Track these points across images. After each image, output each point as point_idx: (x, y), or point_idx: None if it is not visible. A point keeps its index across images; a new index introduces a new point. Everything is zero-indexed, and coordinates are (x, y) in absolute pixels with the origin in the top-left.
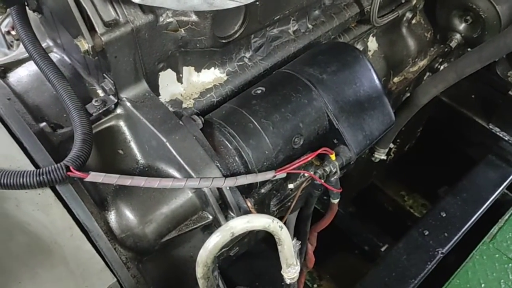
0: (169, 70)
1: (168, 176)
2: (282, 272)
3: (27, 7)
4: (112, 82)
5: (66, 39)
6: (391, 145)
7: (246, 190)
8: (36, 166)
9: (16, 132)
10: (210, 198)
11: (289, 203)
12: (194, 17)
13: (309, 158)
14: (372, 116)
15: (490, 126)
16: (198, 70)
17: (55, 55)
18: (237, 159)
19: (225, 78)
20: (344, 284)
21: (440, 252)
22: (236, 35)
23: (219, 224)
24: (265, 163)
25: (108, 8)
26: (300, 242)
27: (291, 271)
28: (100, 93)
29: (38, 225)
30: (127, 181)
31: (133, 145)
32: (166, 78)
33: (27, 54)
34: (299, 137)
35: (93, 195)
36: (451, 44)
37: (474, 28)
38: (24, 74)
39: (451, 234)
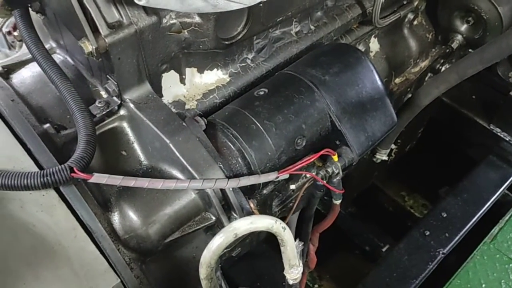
0: (172, 71)
1: (171, 177)
2: (284, 273)
3: (30, 9)
4: (116, 83)
5: (69, 41)
6: (392, 146)
7: (248, 191)
8: (40, 167)
9: (19, 133)
10: (213, 199)
11: (291, 204)
12: (197, 19)
13: (312, 159)
14: (374, 117)
15: (491, 127)
16: (201, 71)
17: (58, 56)
18: (240, 160)
19: (228, 80)
20: (345, 284)
21: (441, 252)
22: (239, 37)
23: (222, 225)
24: (267, 164)
25: (111, 9)
26: (303, 243)
27: (293, 271)
28: (104, 94)
29: (43, 226)
30: (131, 182)
31: (136, 146)
32: (169, 79)
33: (30, 55)
34: (302, 138)
35: (96, 196)
36: (452, 45)
37: (475, 29)
38: (27, 75)
39: (452, 234)
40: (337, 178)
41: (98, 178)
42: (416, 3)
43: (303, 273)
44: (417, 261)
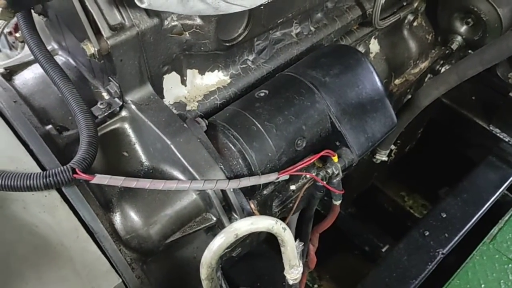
0: (173, 73)
1: (172, 178)
2: (285, 273)
3: (32, 11)
4: (118, 85)
5: (71, 42)
6: (392, 147)
7: (249, 192)
8: (43, 168)
9: (22, 135)
10: (214, 200)
11: (291, 204)
12: (198, 21)
13: (312, 160)
14: (374, 118)
15: (491, 128)
16: (202, 72)
17: (60, 58)
18: (240, 161)
19: (229, 81)
20: (345, 284)
21: (440, 252)
22: (240, 38)
23: (222, 226)
24: (268, 165)
25: (114, 12)
26: (303, 243)
27: (294, 272)
28: (105, 95)
29: (45, 227)
30: (132, 183)
31: (138, 147)
32: (171, 80)
33: (32, 57)
34: (302, 140)
35: (98, 197)
36: (452, 46)
37: (475, 31)
38: (29, 77)
39: (451, 234)
40: (337, 179)
41: (100, 179)
42: (416, 5)
43: (303, 273)
44: (417, 261)
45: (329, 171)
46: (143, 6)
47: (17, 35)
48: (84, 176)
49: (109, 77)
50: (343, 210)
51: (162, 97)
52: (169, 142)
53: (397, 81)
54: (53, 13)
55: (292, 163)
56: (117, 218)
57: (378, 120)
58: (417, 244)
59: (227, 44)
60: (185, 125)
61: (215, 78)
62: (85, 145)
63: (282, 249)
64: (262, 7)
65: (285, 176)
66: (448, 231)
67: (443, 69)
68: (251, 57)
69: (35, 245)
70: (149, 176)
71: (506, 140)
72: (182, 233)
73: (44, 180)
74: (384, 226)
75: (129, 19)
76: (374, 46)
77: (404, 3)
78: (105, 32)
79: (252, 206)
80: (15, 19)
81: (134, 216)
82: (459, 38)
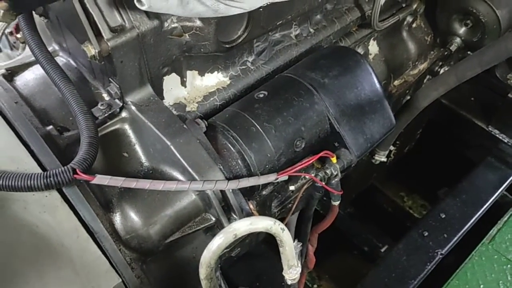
0: (173, 74)
1: (172, 178)
2: (283, 273)
3: (33, 12)
4: (118, 86)
5: (72, 44)
6: (391, 147)
7: (248, 192)
8: (43, 168)
9: (23, 135)
10: (213, 200)
11: (290, 205)
12: (198, 23)
13: (311, 161)
14: (373, 119)
15: (490, 129)
16: (201, 74)
17: (61, 59)
18: (239, 162)
19: (228, 82)
20: (344, 284)
21: (439, 253)
22: (239, 40)
23: (222, 226)
24: (267, 166)
25: (114, 13)
26: (301, 243)
27: (292, 272)
28: (106, 97)
29: (45, 227)
30: (132, 183)
31: (138, 148)
32: (171, 82)
33: (33, 58)
34: (301, 140)
35: (98, 197)
36: (451, 48)
37: (474, 32)
38: (30, 78)
39: (450, 235)
40: (336, 179)
41: (100, 179)
42: (415, 6)
43: (302, 273)
44: (416, 262)
45: (328, 172)
46: (143, 8)
47: (18, 35)
48: (84, 177)
49: (110, 78)
50: (342, 210)
51: (162, 98)
52: (168, 143)
53: (396, 82)
54: (54, 14)
55: (291, 164)
56: (117, 218)
57: (376, 122)
58: (416, 244)
59: (227, 46)
60: (184, 126)
61: (214, 79)
62: (86, 145)
63: (281, 249)
64: (261, 9)
65: (284, 177)
66: (447, 232)
67: (442, 71)
68: (250, 59)
69: (35, 245)
70: (149, 176)
71: (505, 141)
72: (181, 233)
73: (45, 181)
74: (383, 226)
75: (129, 21)
76: (373, 47)
77: (403, 5)
78: (106, 33)
79: (251, 206)
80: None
81: (134, 216)
82: (458, 39)
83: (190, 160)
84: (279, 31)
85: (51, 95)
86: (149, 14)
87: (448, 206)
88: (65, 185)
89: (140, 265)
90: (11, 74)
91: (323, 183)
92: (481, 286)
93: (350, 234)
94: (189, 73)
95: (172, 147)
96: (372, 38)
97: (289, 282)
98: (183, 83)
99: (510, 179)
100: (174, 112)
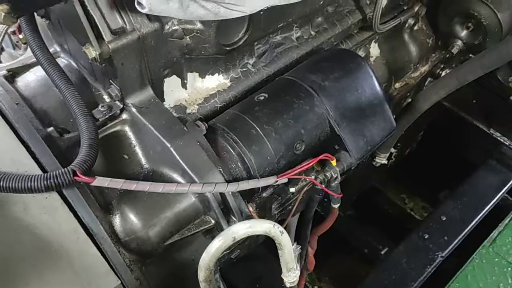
0: (174, 76)
1: (172, 180)
2: (282, 276)
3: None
4: (118, 88)
5: (73, 45)
6: (392, 150)
7: (248, 195)
8: (44, 170)
9: (24, 137)
10: (212, 202)
11: (290, 207)
12: (199, 25)
13: (310, 164)
14: (373, 122)
15: (491, 131)
16: (202, 76)
17: (62, 60)
18: (239, 164)
19: (229, 84)
20: (344, 286)
21: (439, 255)
22: (240, 43)
23: (221, 228)
24: (267, 169)
25: (115, 16)
26: (301, 246)
27: (291, 275)
28: (106, 98)
29: (45, 228)
30: (132, 185)
31: (138, 150)
32: (171, 84)
33: (35, 59)
34: (301, 143)
35: (98, 199)
36: (452, 51)
37: (475, 35)
38: (32, 79)
39: (451, 237)
40: (336, 182)
41: (100, 181)
42: (416, 9)
43: (302, 275)
44: (416, 264)
45: (328, 174)
46: (144, 11)
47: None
48: (84, 179)
49: (110, 80)
50: (343, 212)
51: (163, 100)
52: (168, 145)
53: (397, 85)
54: (55, 16)
55: (291, 166)
56: (116, 220)
57: (377, 124)
58: (416, 247)
59: (228, 48)
60: (185, 128)
61: (215, 81)
62: (86, 147)
63: (280, 252)
64: (261, 12)
65: (283, 180)
66: (447, 234)
67: (443, 73)
68: (251, 61)
69: (35, 246)
70: (149, 178)
71: (507, 143)
72: (180, 236)
73: (45, 182)
74: (385, 228)
75: (130, 23)
76: (375, 49)
77: (405, 7)
78: (107, 36)
79: (251, 209)
80: None
81: (133, 218)
82: (459, 42)
83: (190, 163)
84: (280, 33)
85: (52, 97)
86: (150, 17)
87: (448, 208)
88: (65, 187)
89: (139, 267)
90: (13, 75)
91: (323, 185)
92: None
93: (350, 236)
94: (189, 75)
95: (172, 149)
96: (374, 40)
97: (288, 285)
98: (184, 85)
99: (511, 182)
100: (175, 114)
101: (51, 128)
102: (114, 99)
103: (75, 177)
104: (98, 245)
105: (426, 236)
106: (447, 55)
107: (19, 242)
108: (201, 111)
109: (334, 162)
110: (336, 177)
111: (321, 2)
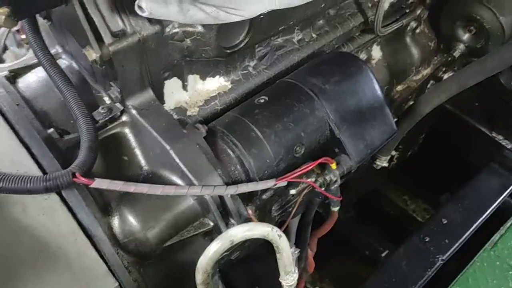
0: (174, 78)
1: (171, 183)
2: (280, 279)
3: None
4: (119, 90)
5: (73, 47)
6: (394, 152)
7: (247, 197)
8: (43, 171)
9: (24, 138)
10: (211, 205)
11: (290, 209)
12: (199, 28)
13: (310, 167)
14: (374, 126)
15: (493, 134)
16: (203, 78)
17: (64, 62)
18: (239, 167)
19: (229, 87)
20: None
21: (440, 258)
22: (241, 45)
23: (219, 231)
24: (266, 171)
25: (116, 19)
26: (299, 250)
27: (289, 278)
28: (107, 100)
29: (44, 230)
30: (131, 187)
31: (137, 152)
32: (172, 86)
33: (36, 60)
34: (301, 146)
35: (97, 200)
36: (454, 54)
37: (477, 39)
38: (33, 80)
39: (452, 241)
40: (335, 185)
41: (99, 183)
42: (418, 12)
43: (301, 277)
44: (416, 267)
45: (327, 178)
46: (143, 14)
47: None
48: (83, 180)
49: (111, 82)
50: (343, 214)
51: (163, 102)
52: (168, 147)
53: (399, 88)
54: (57, 18)
55: (290, 169)
56: (115, 222)
57: (377, 128)
58: (417, 249)
59: (228, 51)
60: (184, 131)
61: (216, 84)
62: (85, 149)
63: (278, 255)
64: (262, 15)
65: (283, 183)
66: (448, 237)
67: (445, 76)
68: (252, 63)
69: (33, 248)
70: (148, 180)
71: (509, 147)
72: (179, 238)
73: (44, 184)
74: (386, 230)
75: (130, 26)
76: (376, 52)
77: (407, 10)
78: (107, 38)
79: (250, 212)
80: None
81: (132, 220)
82: (461, 45)
83: (189, 165)
84: (281, 36)
85: (53, 98)
86: (150, 19)
87: (450, 211)
88: (64, 189)
89: (138, 268)
90: (14, 76)
91: (323, 189)
92: None
93: (351, 238)
94: (190, 77)
95: (171, 152)
96: (375, 43)
97: None
98: (185, 87)
99: None
100: (175, 116)
101: (51, 130)
102: (114, 101)
103: (74, 179)
104: (96, 246)
105: (427, 239)
106: (449, 58)
107: (17, 243)
108: (201, 113)
109: (334, 166)
110: (336, 181)
111: (322, 5)
